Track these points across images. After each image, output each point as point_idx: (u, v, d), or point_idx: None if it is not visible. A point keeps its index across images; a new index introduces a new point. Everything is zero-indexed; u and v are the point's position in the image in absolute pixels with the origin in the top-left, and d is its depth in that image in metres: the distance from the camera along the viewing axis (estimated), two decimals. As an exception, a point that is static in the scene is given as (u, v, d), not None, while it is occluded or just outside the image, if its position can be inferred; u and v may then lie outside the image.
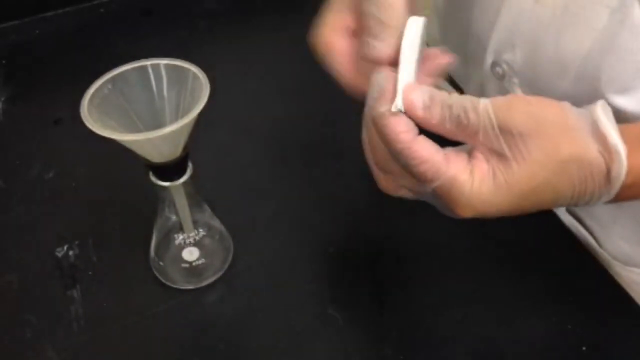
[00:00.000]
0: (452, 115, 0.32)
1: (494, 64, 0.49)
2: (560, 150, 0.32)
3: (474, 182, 0.32)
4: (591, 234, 0.51)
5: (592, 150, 0.32)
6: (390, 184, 0.37)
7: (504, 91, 0.50)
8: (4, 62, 0.69)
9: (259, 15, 0.76)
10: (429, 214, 0.53)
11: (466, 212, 0.33)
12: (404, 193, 0.37)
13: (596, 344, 0.44)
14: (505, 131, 0.32)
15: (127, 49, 0.70)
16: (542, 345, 0.45)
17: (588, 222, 0.51)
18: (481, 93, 0.55)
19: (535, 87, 0.47)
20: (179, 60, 0.39)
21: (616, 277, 0.48)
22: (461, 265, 0.50)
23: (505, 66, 0.48)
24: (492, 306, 0.47)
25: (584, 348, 0.44)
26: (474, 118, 0.32)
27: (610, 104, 0.41)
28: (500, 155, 0.32)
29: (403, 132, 0.32)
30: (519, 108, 0.32)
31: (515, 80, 0.48)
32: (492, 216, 0.33)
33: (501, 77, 0.49)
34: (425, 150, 0.32)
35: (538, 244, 0.51)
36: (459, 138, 0.33)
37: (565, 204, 0.34)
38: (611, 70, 0.40)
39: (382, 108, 0.33)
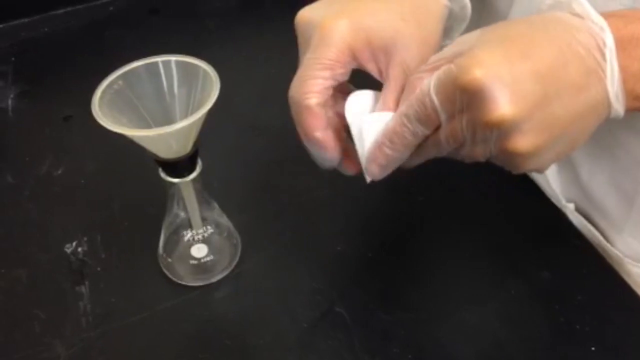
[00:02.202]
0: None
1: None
2: (517, 19, 0.34)
3: (456, 59, 0.32)
4: (602, 233, 0.51)
5: (561, 14, 0.33)
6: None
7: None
8: (13, 59, 0.70)
9: (266, 13, 0.76)
10: (438, 213, 0.53)
11: (472, 74, 0.31)
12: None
13: (605, 343, 0.44)
14: (460, 40, 0.34)
15: (136, 47, 0.70)
16: (550, 344, 0.44)
17: (599, 221, 0.51)
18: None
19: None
20: (189, 56, 0.39)
21: (625, 277, 0.48)
22: (470, 264, 0.50)
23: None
24: (500, 305, 0.47)
25: (592, 348, 0.44)
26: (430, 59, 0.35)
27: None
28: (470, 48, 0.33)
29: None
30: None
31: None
32: (507, 74, 0.31)
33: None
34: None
35: (547, 243, 0.51)
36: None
37: (565, 53, 0.32)
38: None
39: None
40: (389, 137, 0.35)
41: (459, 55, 0.32)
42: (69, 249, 0.51)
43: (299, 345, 0.45)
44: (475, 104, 0.31)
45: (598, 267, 0.49)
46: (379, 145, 0.36)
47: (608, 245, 0.51)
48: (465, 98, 0.31)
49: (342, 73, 0.38)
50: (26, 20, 0.75)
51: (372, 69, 0.38)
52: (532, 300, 0.47)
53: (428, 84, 0.33)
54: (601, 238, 0.51)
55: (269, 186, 0.56)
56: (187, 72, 0.39)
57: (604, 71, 0.33)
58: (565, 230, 0.52)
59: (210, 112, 0.37)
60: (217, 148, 0.55)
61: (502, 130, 0.32)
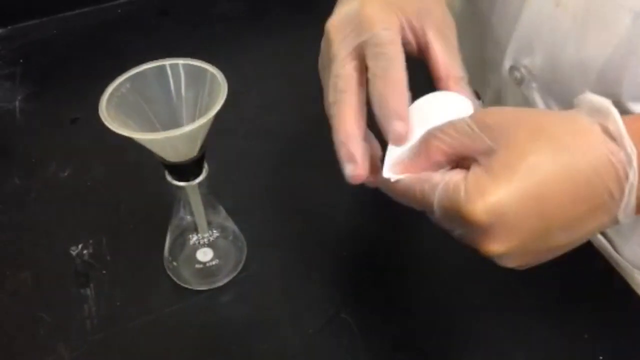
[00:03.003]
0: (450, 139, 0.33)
1: (513, 68, 0.49)
2: (544, 128, 0.31)
3: (469, 180, 0.31)
4: (609, 241, 0.51)
5: (582, 117, 0.31)
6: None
7: (521, 96, 0.50)
8: (21, 61, 0.70)
9: (274, 17, 0.76)
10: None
11: (476, 212, 0.30)
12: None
13: (613, 353, 0.44)
14: (484, 127, 0.32)
15: (144, 50, 0.70)
16: (557, 354, 0.44)
17: (607, 229, 0.51)
18: (498, 98, 0.54)
19: (554, 92, 0.46)
20: (197, 60, 0.39)
21: (634, 286, 0.48)
22: (476, 272, 0.49)
23: (524, 70, 0.48)
24: (506, 313, 0.46)
25: (600, 357, 0.43)
26: (453, 131, 0.33)
27: (630, 110, 0.41)
28: (487, 154, 0.31)
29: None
30: (494, 110, 0.33)
31: (534, 84, 0.48)
32: (512, 216, 0.30)
33: (519, 82, 0.49)
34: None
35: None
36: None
37: (580, 190, 0.31)
38: (634, 74, 0.40)
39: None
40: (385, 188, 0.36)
41: (480, 154, 0.32)
42: (74, 251, 0.51)
43: (304, 351, 0.44)
44: (473, 231, 0.31)
45: (606, 276, 0.49)
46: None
47: (616, 254, 0.50)
48: (464, 222, 0.31)
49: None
50: (35, 22, 0.75)
51: (411, 40, 0.38)
52: (539, 309, 0.46)
53: (434, 189, 0.32)
54: (609, 247, 0.51)
55: (275, 190, 0.55)
56: (194, 76, 0.39)
57: (618, 203, 0.31)
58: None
59: (217, 116, 0.37)
60: (224, 152, 0.55)
61: (493, 257, 0.32)
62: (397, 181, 0.35)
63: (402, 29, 0.37)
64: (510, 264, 0.33)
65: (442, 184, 0.32)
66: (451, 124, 0.33)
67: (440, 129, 0.33)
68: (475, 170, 0.31)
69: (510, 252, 0.31)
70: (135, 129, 0.38)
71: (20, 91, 0.66)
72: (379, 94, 0.35)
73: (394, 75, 0.35)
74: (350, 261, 0.50)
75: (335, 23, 0.39)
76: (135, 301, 0.47)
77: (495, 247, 0.31)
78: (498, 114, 0.32)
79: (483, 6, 0.52)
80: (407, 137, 0.35)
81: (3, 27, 0.74)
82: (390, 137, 0.35)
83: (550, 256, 0.34)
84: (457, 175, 0.32)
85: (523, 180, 0.30)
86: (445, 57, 0.37)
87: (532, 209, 0.30)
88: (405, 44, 0.38)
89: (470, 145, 0.32)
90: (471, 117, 0.33)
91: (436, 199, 0.32)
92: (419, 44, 0.38)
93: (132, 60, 0.40)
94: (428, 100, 0.37)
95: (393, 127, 0.34)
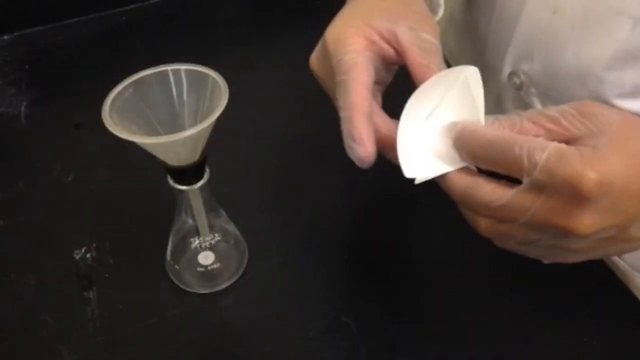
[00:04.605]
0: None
1: (512, 74, 0.49)
2: None
3: (583, 149, 0.30)
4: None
5: None
6: (496, 232, 0.35)
7: (521, 101, 0.50)
8: (26, 67, 0.71)
9: (277, 23, 0.77)
10: (447, 224, 0.53)
11: (589, 178, 0.29)
12: (511, 245, 0.36)
13: (612, 356, 0.44)
14: (585, 113, 0.31)
15: (148, 55, 0.71)
16: (556, 357, 0.44)
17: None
18: (498, 103, 0.55)
19: (554, 97, 0.47)
20: (199, 65, 0.39)
21: (634, 290, 0.48)
22: (477, 275, 0.50)
23: (523, 76, 0.48)
24: (507, 317, 0.47)
25: (600, 361, 0.44)
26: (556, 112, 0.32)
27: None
28: (592, 136, 0.31)
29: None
30: (590, 102, 0.32)
31: (533, 90, 0.48)
32: (617, 192, 0.30)
33: (519, 87, 0.49)
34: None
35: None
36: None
37: None
38: (633, 80, 0.40)
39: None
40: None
41: (581, 138, 0.31)
42: (77, 255, 0.51)
43: (305, 354, 0.45)
44: (571, 202, 0.30)
45: (606, 280, 0.49)
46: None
47: (616, 257, 0.50)
48: (569, 188, 0.30)
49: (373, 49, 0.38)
50: (40, 29, 0.76)
51: (388, 50, 0.38)
52: (538, 311, 0.47)
53: (543, 149, 0.30)
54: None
55: (277, 194, 0.56)
56: (196, 80, 0.39)
57: None
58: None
59: (219, 120, 0.37)
60: (226, 156, 0.56)
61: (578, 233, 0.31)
62: (485, 134, 0.33)
63: (373, 43, 0.37)
64: (581, 243, 0.32)
65: (553, 145, 0.30)
66: (548, 110, 0.33)
67: (537, 113, 0.33)
68: (584, 146, 0.31)
69: (598, 231, 0.31)
70: (138, 133, 0.38)
71: (25, 97, 0.67)
72: (344, 122, 0.36)
73: (353, 100, 0.35)
74: (351, 265, 0.50)
75: (313, 57, 0.41)
76: (138, 304, 0.48)
77: (590, 221, 0.30)
78: (595, 105, 0.32)
79: (482, 13, 0.52)
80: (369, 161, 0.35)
81: (9, 34, 0.75)
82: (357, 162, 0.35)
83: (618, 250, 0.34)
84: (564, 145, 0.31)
85: (631, 163, 0.30)
86: (418, 59, 0.36)
87: (636, 190, 0.30)
88: (385, 56, 0.38)
89: (569, 130, 0.32)
90: (569, 105, 0.32)
91: (544, 157, 0.30)
92: (397, 52, 0.38)
93: (136, 66, 0.40)
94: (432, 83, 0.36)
95: (356, 153, 0.35)
